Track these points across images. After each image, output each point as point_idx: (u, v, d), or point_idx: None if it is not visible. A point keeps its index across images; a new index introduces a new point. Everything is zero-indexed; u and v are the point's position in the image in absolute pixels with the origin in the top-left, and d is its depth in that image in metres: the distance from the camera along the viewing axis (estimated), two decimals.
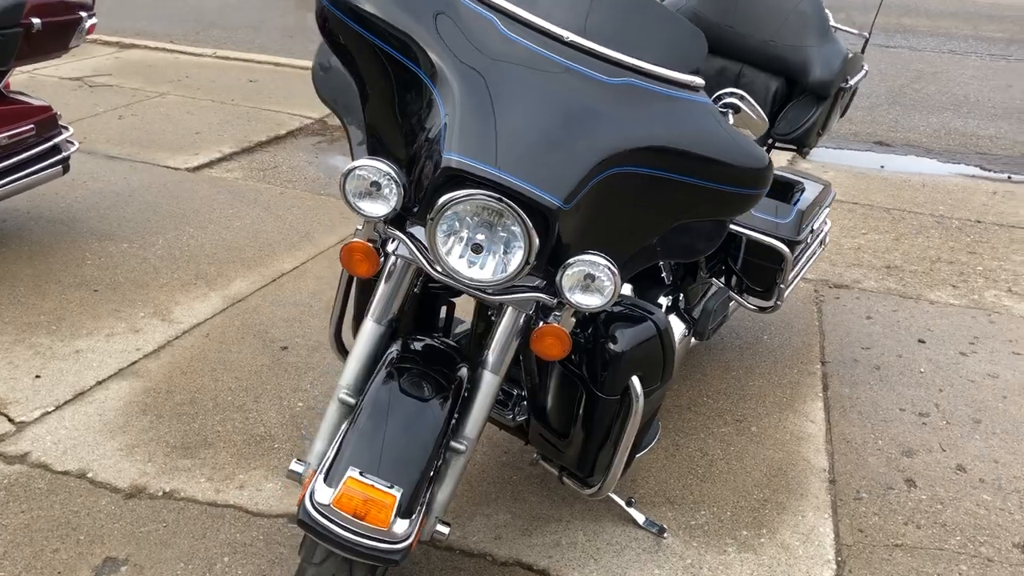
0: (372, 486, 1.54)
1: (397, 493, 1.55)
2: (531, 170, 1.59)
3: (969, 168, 5.43)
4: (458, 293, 2.05)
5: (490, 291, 1.72)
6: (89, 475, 2.37)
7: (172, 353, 2.94)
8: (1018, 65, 8.07)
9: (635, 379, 1.88)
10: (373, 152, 1.88)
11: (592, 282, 1.66)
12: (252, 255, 3.65)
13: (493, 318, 1.94)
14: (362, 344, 1.84)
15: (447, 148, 1.61)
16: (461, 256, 1.67)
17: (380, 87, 1.84)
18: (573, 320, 1.76)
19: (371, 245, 1.77)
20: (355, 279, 2.13)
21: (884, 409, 2.83)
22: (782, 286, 2.70)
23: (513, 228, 1.62)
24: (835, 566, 2.19)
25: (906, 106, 6.68)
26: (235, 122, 5.37)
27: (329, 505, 1.52)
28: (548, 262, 1.64)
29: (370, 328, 1.84)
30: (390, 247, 1.84)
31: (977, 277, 3.82)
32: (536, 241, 1.60)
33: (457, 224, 1.66)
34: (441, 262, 1.66)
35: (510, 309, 1.80)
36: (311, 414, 2.67)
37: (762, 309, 2.78)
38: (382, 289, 1.84)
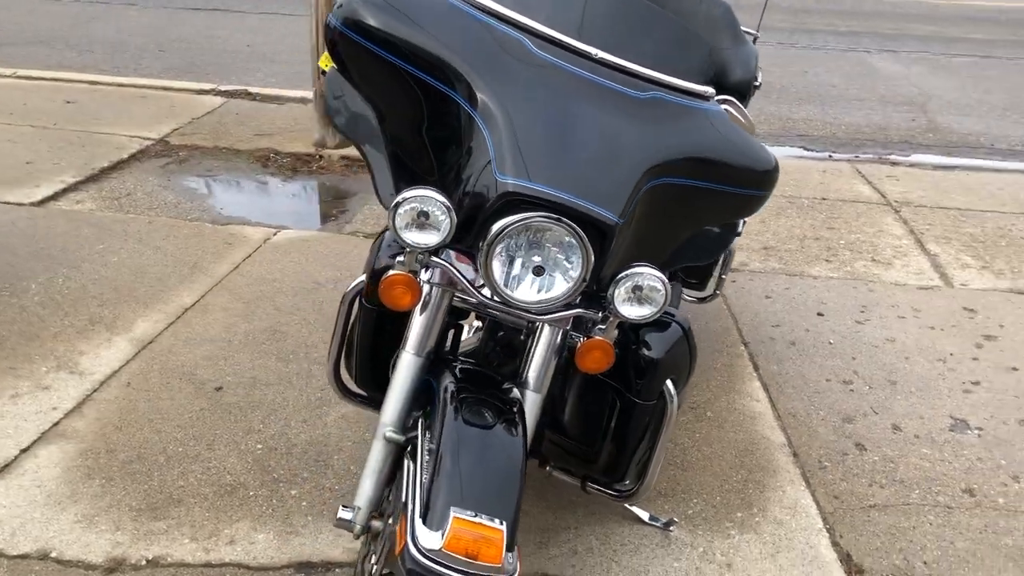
0: (479, 523, 1.49)
1: (503, 527, 1.51)
2: (586, 187, 1.60)
3: (794, 150, 5.88)
4: (466, 314, 2.02)
5: (537, 311, 1.71)
6: (53, 554, 2.14)
7: (96, 408, 2.69)
8: (806, 52, 8.81)
9: (669, 382, 1.93)
10: (399, 180, 1.82)
11: (639, 293, 1.69)
12: (144, 292, 3.39)
13: (523, 338, 1.93)
14: (403, 378, 1.78)
15: (501, 172, 1.58)
16: (514, 279, 1.66)
17: (405, 112, 1.78)
18: (616, 332, 1.78)
19: (414, 276, 1.71)
20: (355, 315, 2.05)
21: (813, 381, 3.05)
22: (723, 276, 2.84)
23: (566, 247, 1.62)
24: (827, 533, 2.34)
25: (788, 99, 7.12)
26: (67, 148, 4.93)
27: (440, 550, 1.46)
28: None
29: (410, 361, 1.78)
30: (423, 276, 1.79)
31: (843, 250, 4.16)
32: (592, 258, 1.61)
33: (508, 248, 1.64)
34: (495, 287, 1.63)
35: (548, 328, 1.79)
36: (276, 455, 2.53)
37: (701, 300, 2.91)
38: (420, 320, 1.78)
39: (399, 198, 1.61)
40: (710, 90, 1.84)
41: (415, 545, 1.48)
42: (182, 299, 3.36)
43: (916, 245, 4.24)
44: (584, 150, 1.63)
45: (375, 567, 1.77)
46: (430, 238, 1.65)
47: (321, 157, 5.09)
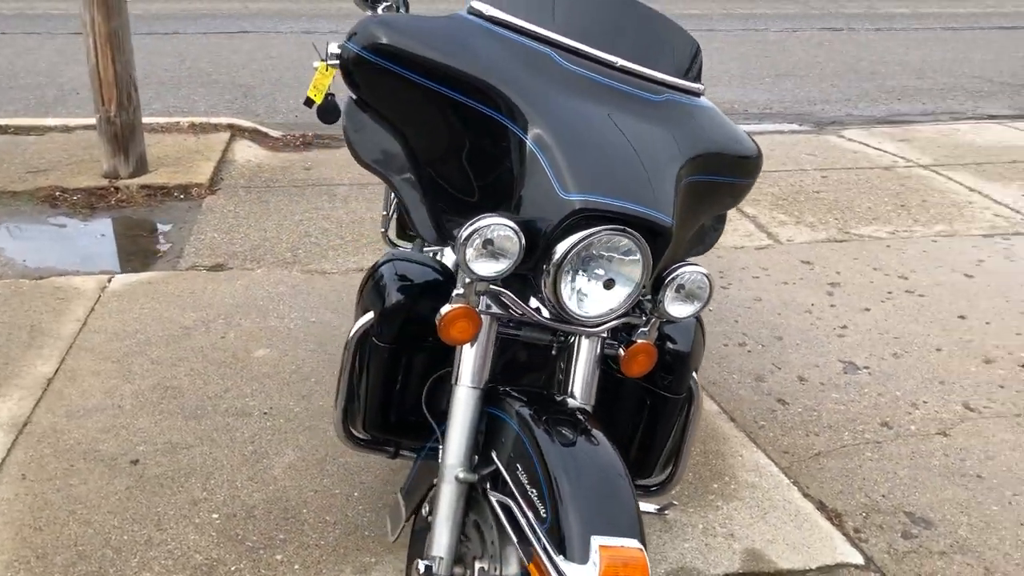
0: (621, 547, 1.47)
1: (641, 547, 1.50)
2: (640, 194, 1.61)
3: None
4: None
5: (596, 323, 1.69)
6: None
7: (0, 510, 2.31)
8: None
9: (694, 374, 1.99)
10: (439, 211, 1.72)
11: (683, 291, 1.73)
12: None
13: (554, 353, 1.90)
14: (465, 414, 1.70)
15: (565, 189, 1.56)
16: (577, 294, 1.64)
17: (439, 138, 1.69)
18: (656, 333, 1.81)
19: (472, 308, 1.64)
20: (371, 360, 1.92)
21: (714, 348, 3.24)
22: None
23: (624, 256, 1.62)
24: (795, 487, 2.52)
25: None
26: None
27: None
28: None
29: (469, 394, 1.70)
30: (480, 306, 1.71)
31: None
32: (651, 263, 1.64)
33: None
34: (563, 306, 1.61)
35: (587, 340, 1.78)
36: (238, 522, 2.31)
37: None
38: (474, 351, 1.70)
39: (470, 229, 1.53)
40: (702, 87, 1.90)
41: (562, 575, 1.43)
42: (38, 369, 2.95)
43: (734, 209, 4.60)
44: (628, 157, 1.63)
45: None
46: (497, 266, 1.59)
47: (118, 189, 4.63)
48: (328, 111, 2.03)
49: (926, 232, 4.35)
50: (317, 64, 2.00)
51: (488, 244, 1.57)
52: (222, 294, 3.51)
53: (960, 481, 2.56)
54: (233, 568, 2.16)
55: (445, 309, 1.63)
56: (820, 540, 2.31)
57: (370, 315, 1.90)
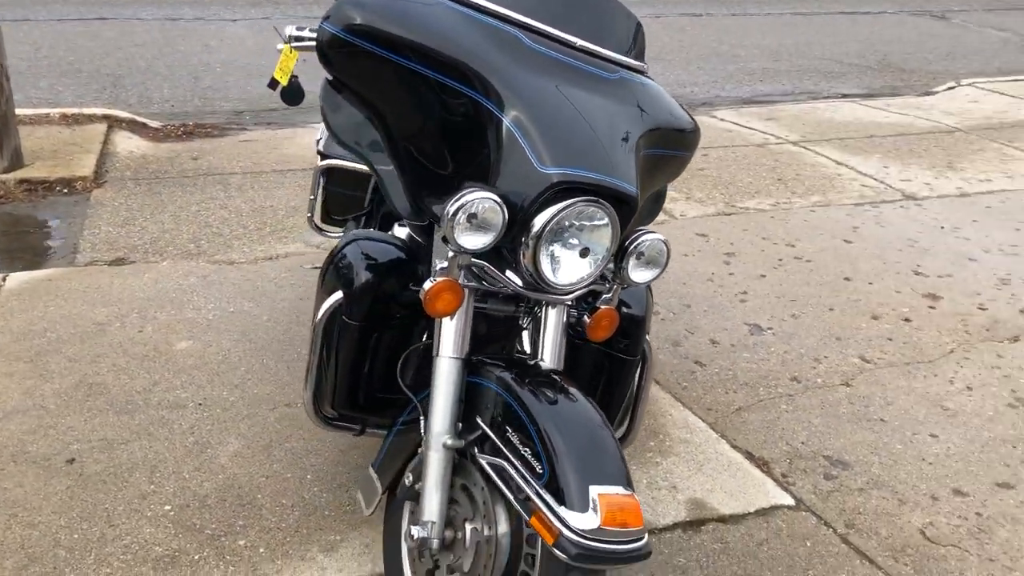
0: (616, 494, 1.56)
1: (633, 493, 1.60)
2: (610, 166, 1.71)
3: None
4: None
5: (568, 291, 1.78)
6: None
7: None
8: None
9: (647, 336, 2.11)
10: (417, 188, 1.77)
11: (644, 257, 1.84)
12: None
13: (522, 323, 1.99)
14: (449, 384, 1.75)
15: (542, 163, 1.63)
16: (554, 264, 1.72)
17: (415, 116, 1.74)
18: (617, 299, 1.92)
19: (456, 281, 1.70)
20: (341, 339, 1.94)
21: None
22: None
23: (596, 225, 1.72)
24: (724, 440, 2.70)
25: None
26: None
27: (599, 527, 1.51)
28: None
29: (451, 365, 1.76)
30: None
31: None
32: (618, 231, 1.74)
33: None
34: (541, 276, 1.69)
35: (555, 308, 1.87)
36: (192, 511, 2.29)
37: None
38: (454, 324, 1.76)
39: (457, 203, 1.59)
40: (646, 65, 2.02)
41: (571, 531, 1.51)
42: None
43: None
44: (595, 132, 1.73)
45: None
46: (483, 239, 1.65)
47: None
48: (292, 93, 2.04)
49: (804, 203, 4.66)
50: (281, 46, 2.00)
51: (472, 218, 1.63)
52: (131, 288, 3.41)
53: (867, 425, 2.80)
54: (196, 557, 2.14)
55: (428, 284, 1.68)
56: (754, 486, 2.50)
57: (338, 295, 1.92)
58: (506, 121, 1.66)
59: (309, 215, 2.94)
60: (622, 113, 1.80)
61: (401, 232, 2.26)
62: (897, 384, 3.04)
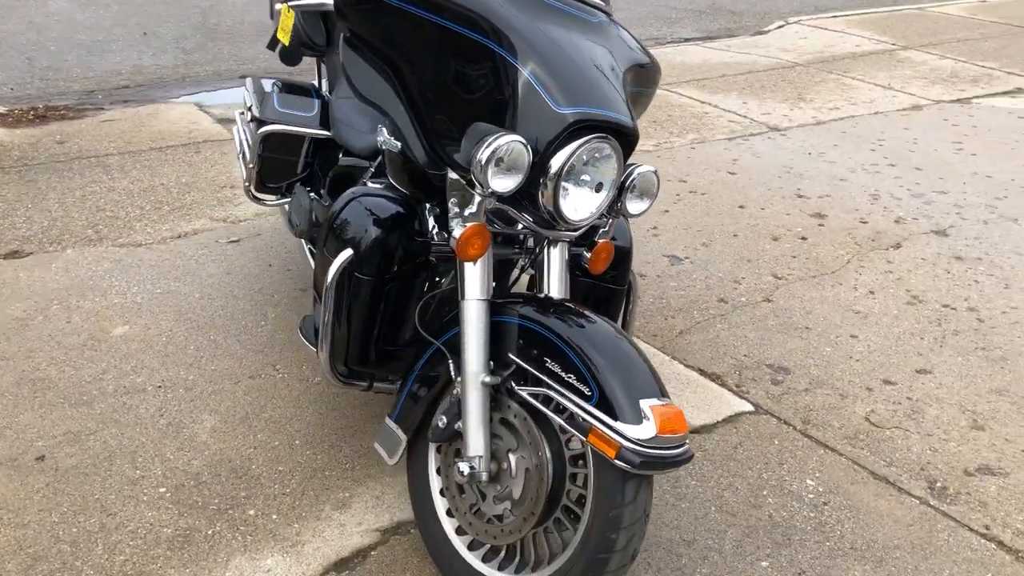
0: (664, 405, 1.69)
1: (669, 400, 1.72)
2: (615, 104, 1.82)
3: None
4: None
5: (581, 226, 1.88)
6: None
7: None
8: None
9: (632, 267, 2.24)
10: (434, 135, 1.80)
11: (638, 190, 1.97)
12: None
13: (525, 260, 2.07)
14: (479, 324, 1.83)
15: (557, 103, 1.72)
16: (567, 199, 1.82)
17: (429, 65, 1.77)
18: (613, 231, 2.05)
19: (484, 225, 1.77)
20: (355, 295, 1.96)
21: None
22: None
23: (607, 159, 1.83)
24: (676, 361, 2.89)
25: (226, 39, 6.99)
26: None
27: (655, 436, 1.63)
28: None
29: (479, 307, 1.83)
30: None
31: None
32: (623, 164, 1.86)
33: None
34: (560, 212, 1.79)
35: (557, 245, 1.97)
36: (189, 490, 2.26)
37: None
38: (481, 267, 1.83)
39: (490, 148, 1.66)
40: (611, 8, 2.12)
41: (632, 442, 1.62)
42: None
43: None
44: (596, 71, 1.83)
45: (506, 506, 1.84)
46: (512, 181, 1.73)
47: None
48: (292, 54, 2.00)
49: (682, 142, 4.92)
50: (279, 6, 1.96)
51: (500, 161, 1.70)
52: (41, 280, 3.23)
53: (795, 334, 3.07)
54: (210, 532, 2.13)
55: (459, 230, 1.74)
56: (715, 399, 2.70)
57: (347, 253, 1.95)
58: (520, 66, 1.73)
59: (247, 185, 2.88)
60: (609, 54, 1.90)
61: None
62: (810, 295, 3.32)
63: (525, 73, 1.73)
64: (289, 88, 2.84)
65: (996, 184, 4.40)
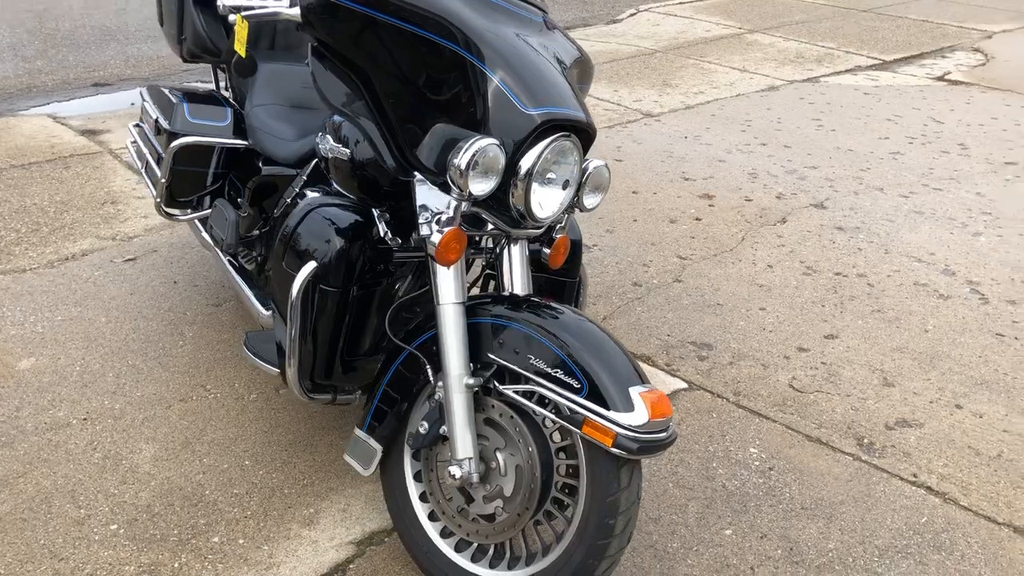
0: (650, 391, 1.74)
1: (651, 385, 1.78)
2: (572, 102, 1.87)
3: None
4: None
5: (547, 223, 1.92)
6: None
7: None
8: None
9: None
10: (402, 142, 1.79)
11: (591, 184, 2.03)
12: None
13: (485, 260, 2.09)
14: (457, 327, 1.83)
15: (525, 105, 1.76)
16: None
17: (397, 73, 1.76)
18: (569, 226, 2.10)
19: (461, 229, 1.79)
20: (322, 307, 1.93)
21: None
22: None
23: (572, 156, 1.87)
24: None
25: (69, 45, 6.59)
26: None
27: (648, 422, 1.69)
28: None
29: (456, 310, 1.84)
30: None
31: None
32: (582, 161, 1.92)
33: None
34: (529, 211, 1.83)
35: (518, 244, 2.00)
36: (144, 524, 2.16)
37: None
38: (455, 271, 1.84)
39: (470, 152, 1.67)
40: (546, 6, 2.16)
41: (627, 429, 1.68)
42: None
43: None
44: (553, 71, 1.87)
45: (497, 504, 1.86)
46: (488, 184, 1.75)
47: None
48: (247, 66, 1.93)
49: None
50: (234, 18, 1.89)
51: (476, 165, 1.71)
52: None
53: (709, 311, 3.21)
54: (176, 565, 2.05)
55: (437, 235, 1.75)
56: (651, 378, 2.78)
57: (311, 266, 1.91)
58: (487, 70, 1.75)
59: (158, 201, 2.76)
60: (558, 53, 1.95)
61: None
62: (715, 273, 3.48)
63: (492, 76, 1.74)
64: (197, 97, 2.74)
65: (858, 157, 4.72)
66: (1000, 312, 3.24)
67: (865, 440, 2.55)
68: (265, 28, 2.88)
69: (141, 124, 3.06)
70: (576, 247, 2.22)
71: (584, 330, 1.80)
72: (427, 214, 1.83)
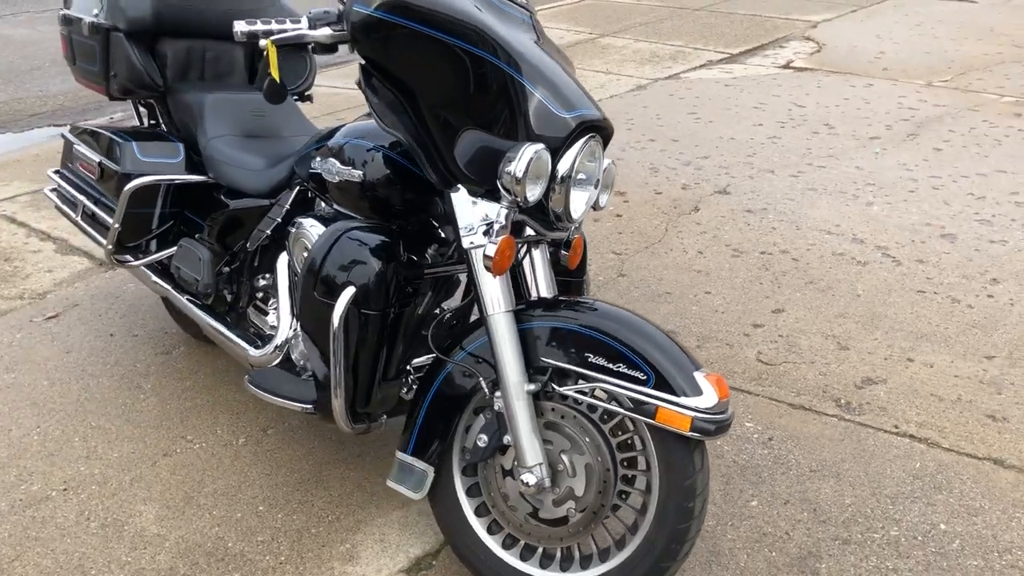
0: (707, 373, 1.80)
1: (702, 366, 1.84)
2: (594, 103, 1.91)
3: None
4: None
5: (578, 223, 1.95)
6: None
7: None
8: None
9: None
10: (447, 154, 1.78)
11: (604, 183, 2.07)
12: None
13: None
14: (510, 336, 1.83)
15: (560, 109, 1.78)
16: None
17: (442, 87, 1.76)
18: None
19: (512, 236, 1.79)
20: (365, 332, 1.89)
21: None
22: None
23: (599, 156, 1.91)
24: None
25: None
26: None
27: (718, 402, 1.74)
28: None
29: (508, 319, 1.83)
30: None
31: None
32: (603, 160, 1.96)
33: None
34: (568, 212, 1.86)
35: (539, 247, 2.03)
36: None
37: None
38: (505, 279, 1.84)
39: (523, 160, 1.68)
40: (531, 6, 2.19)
41: (702, 412, 1.72)
42: None
43: None
44: (567, 74, 1.91)
45: (569, 506, 1.87)
46: (538, 189, 1.77)
47: None
48: (280, 91, 1.84)
49: None
50: (264, 43, 1.79)
51: (528, 172, 1.72)
52: None
53: (661, 300, 3.32)
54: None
55: (492, 246, 1.74)
56: None
57: (349, 292, 1.87)
58: (519, 77, 1.76)
59: (109, 248, 2.59)
60: (556, 53, 1.98)
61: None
62: (653, 264, 3.60)
63: (527, 84, 1.76)
64: (143, 135, 2.61)
65: (741, 144, 4.99)
66: (914, 271, 3.52)
67: (842, 400, 2.71)
68: (193, 58, 2.77)
69: (66, 169, 2.86)
70: (585, 247, 2.25)
71: (632, 322, 1.84)
72: (470, 226, 1.82)
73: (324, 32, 1.82)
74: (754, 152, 4.86)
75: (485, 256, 1.76)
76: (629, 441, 1.86)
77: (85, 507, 2.26)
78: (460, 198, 1.83)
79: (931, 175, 4.50)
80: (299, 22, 1.83)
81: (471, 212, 1.82)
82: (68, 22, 2.84)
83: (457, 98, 1.78)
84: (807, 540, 2.17)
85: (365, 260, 1.88)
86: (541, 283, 2.00)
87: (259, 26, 1.83)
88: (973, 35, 7.60)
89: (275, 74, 1.78)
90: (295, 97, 2.76)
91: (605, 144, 1.93)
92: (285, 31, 1.82)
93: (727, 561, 2.11)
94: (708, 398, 1.73)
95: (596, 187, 1.89)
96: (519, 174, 1.69)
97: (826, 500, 2.30)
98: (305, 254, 2.11)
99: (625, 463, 1.87)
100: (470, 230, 1.82)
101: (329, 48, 1.86)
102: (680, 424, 1.71)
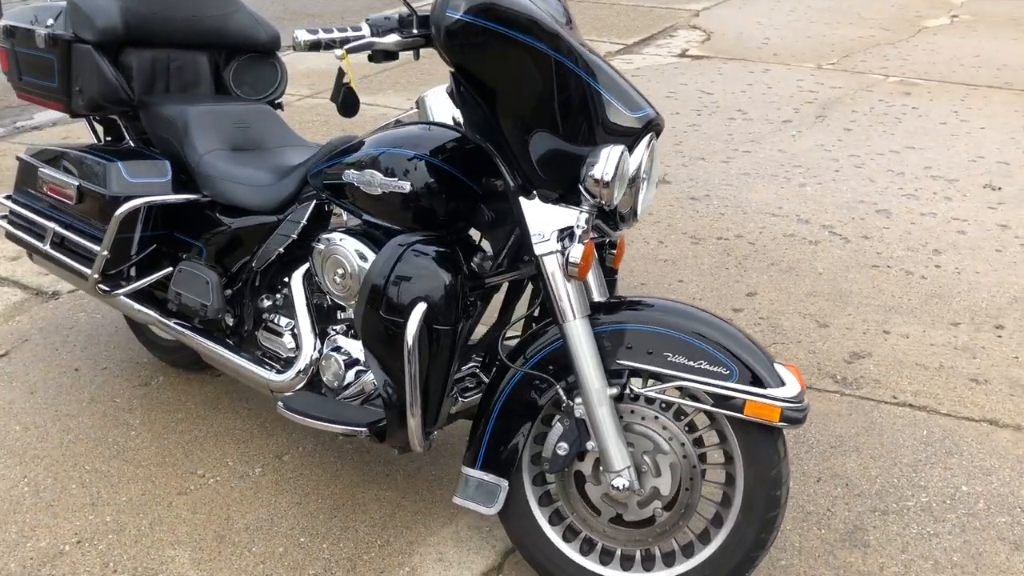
0: (784, 364, 1.83)
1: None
2: (647, 101, 1.91)
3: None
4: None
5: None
6: None
7: None
8: None
9: None
10: (529, 159, 1.73)
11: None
12: None
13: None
14: (588, 342, 1.81)
15: (630, 108, 1.79)
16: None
17: (526, 93, 1.73)
18: None
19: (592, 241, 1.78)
20: (439, 348, 1.83)
21: None
22: None
23: (656, 154, 1.92)
24: None
25: None
26: None
27: (801, 391, 1.77)
28: None
29: (583, 325, 1.81)
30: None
31: None
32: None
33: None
34: (635, 214, 1.86)
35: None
36: None
37: None
38: (579, 286, 1.81)
39: (613, 163, 1.67)
40: None
41: (790, 402, 1.74)
42: None
43: None
44: (618, 71, 1.90)
45: (656, 506, 1.86)
46: (622, 190, 1.76)
47: None
48: (356, 102, 1.74)
49: None
50: (340, 52, 1.68)
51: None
52: None
53: (638, 292, 3.36)
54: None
55: (578, 251, 1.72)
56: None
57: (423, 306, 1.80)
58: (591, 81, 1.75)
59: (96, 278, 2.40)
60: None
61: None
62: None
63: (598, 88, 1.75)
64: (126, 154, 2.43)
65: (665, 133, 5.07)
66: (863, 247, 3.69)
67: (838, 376, 2.82)
68: (159, 69, 2.61)
69: (21, 195, 2.63)
70: (622, 246, 2.25)
71: (703, 318, 1.86)
72: (541, 233, 1.79)
73: (392, 39, 1.75)
74: (679, 140, 4.97)
75: (569, 263, 1.73)
76: (705, 435, 1.88)
77: (108, 558, 2.09)
78: (531, 204, 1.79)
79: (850, 154, 4.72)
80: (360, 29, 1.74)
81: (543, 218, 1.79)
82: (11, 34, 2.61)
83: (533, 102, 1.74)
84: (849, 515, 2.24)
85: (434, 274, 1.82)
86: (593, 284, 1.99)
87: (321, 35, 1.74)
88: (844, 20, 8.02)
89: (353, 84, 1.69)
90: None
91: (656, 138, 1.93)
92: (349, 39, 1.74)
93: (782, 543, 2.15)
94: (791, 388, 1.76)
95: (657, 184, 1.88)
96: (607, 177, 1.67)
97: (854, 474, 2.38)
98: (340, 271, 2.02)
99: (703, 458, 1.88)
100: (542, 237, 1.78)
101: (391, 55, 1.78)
102: (770, 415, 1.73)
